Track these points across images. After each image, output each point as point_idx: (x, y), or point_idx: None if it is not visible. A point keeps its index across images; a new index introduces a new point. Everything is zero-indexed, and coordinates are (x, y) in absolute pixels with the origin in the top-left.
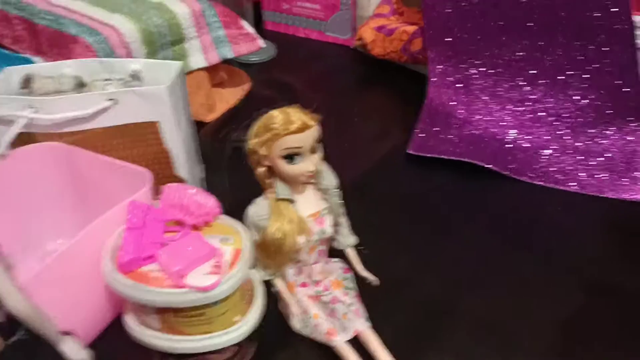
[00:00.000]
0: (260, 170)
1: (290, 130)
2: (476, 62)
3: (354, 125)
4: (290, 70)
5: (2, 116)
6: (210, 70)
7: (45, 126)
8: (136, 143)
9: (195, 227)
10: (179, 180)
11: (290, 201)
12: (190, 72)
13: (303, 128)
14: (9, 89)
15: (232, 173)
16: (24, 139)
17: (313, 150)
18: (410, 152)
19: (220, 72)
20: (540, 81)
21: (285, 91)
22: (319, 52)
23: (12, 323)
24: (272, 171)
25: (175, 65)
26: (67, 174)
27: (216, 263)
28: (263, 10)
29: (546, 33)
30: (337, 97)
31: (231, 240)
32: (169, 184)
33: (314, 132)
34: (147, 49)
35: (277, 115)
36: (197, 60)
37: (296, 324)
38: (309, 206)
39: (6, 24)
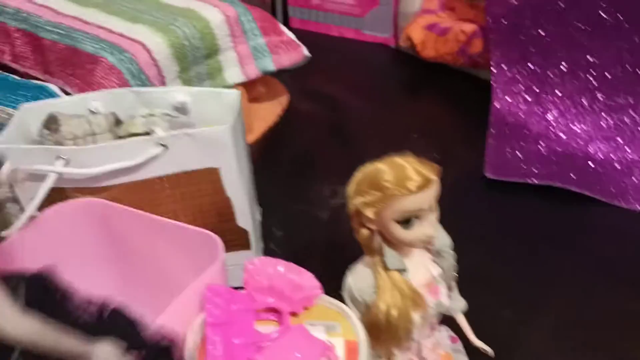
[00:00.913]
0: (364, 232)
1: (409, 190)
2: (550, 66)
3: (412, 143)
4: (327, 77)
5: (26, 170)
6: (247, 84)
7: (79, 180)
8: (189, 194)
9: (293, 314)
10: (242, 232)
11: (402, 271)
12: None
13: (424, 186)
14: (28, 132)
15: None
16: (53, 194)
17: (432, 209)
18: (489, 175)
19: (258, 85)
20: (627, 89)
21: (325, 103)
22: (356, 54)
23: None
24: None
25: (232, 94)
26: (105, 236)
27: None
28: (289, 6)
29: (637, 34)
30: (385, 107)
31: (338, 329)
32: (251, 260)
33: (435, 188)
34: (179, 66)
35: (387, 170)
36: (233, 74)
37: None
38: (420, 273)
39: (5, 38)
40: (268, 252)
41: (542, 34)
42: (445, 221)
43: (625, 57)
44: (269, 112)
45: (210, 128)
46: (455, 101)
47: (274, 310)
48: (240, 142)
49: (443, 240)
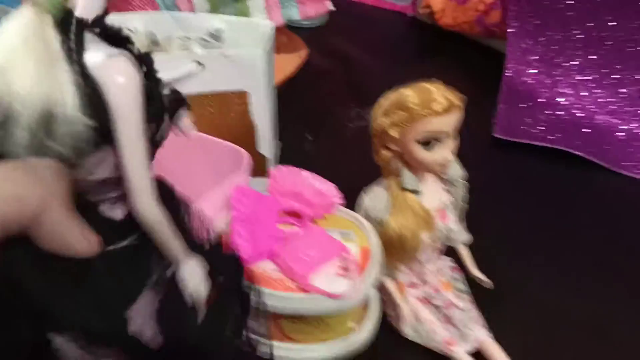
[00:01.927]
0: (385, 153)
1: (436, 111)
2: (565, 39)
3: None
4: (345, 38)
5: None
6: None
7: None
8: (220, 115)
9: (312, 220)
10: (260, 159)
11: (416, 192)
12: None
13: (449, 109)
14: None
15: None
16: None
17: (453, 136)
18: (497, 135)
19: (281, 35)
20: (638, 63)
21: (341, 61)
22: (374, 19)
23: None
24: (397, 156)
25: (266, 25)
26: None
27: (343, 264)
28: None
29: None
30: (400, 70)
31: (352, 236)
32: (277, 167)
33: (458, 114)
34: (210, 4)
35: (412, 93)
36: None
37: (407, 329)
38: (433, 199)
39: None
40: None
41: (561, 6)
42: None
43: (637, 31)
44: (288, 63)
45: (245, 50)
46: (468, 69)
47: (295, 216)
48: (269, 72)
49: (457, 171)
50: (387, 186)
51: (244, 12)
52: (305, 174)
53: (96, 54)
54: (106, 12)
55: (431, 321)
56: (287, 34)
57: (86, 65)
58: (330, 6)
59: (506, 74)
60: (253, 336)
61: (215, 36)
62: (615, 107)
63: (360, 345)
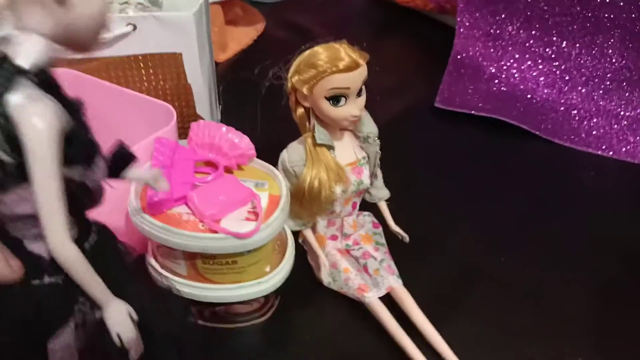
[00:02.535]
0: (300, 111)
1: (338, 68)
2: (509, 14)
3: (375, 75)
4: (305, 13)
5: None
6: (225, 5)
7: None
8: (155, 76)
9: (227, 170)
10: (200, 119)
11: (330, 147)
12: None
13: (353, 66)
14: None
15: (250, 114)
16: None
17: (359, 93)
18: (438, 105)
19: (236, 7)
20: (576, 38)
21: (300, 34)
22: None
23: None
24: (311, 113)
25: None
26: None
27: (252, 209)
28: None
29: None
30: (356, 43)
31: (266, 186)
32: (197, 121)
33: (362, 71)
34: None
35: (322, 51)
36: None
37: (325, 277)
38: (347, 154)
39: None
40: None
41: None
42: (394, 141)
43: (575, 6)
44: (244, 35)
45: (175, 13)
46: (421, 43)
47: (212, 166)
48: (203, 33)
49: (370, 128)
50: (304, 141)
51: None
52: (224, 128)
53: (19, 96)
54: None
55: (347, 269)
56: (244, 7)
57: (7, 104)
58: None
59: (455, 47)
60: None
61: (155, 1)
62: (551, 79)
63: (272, 287)
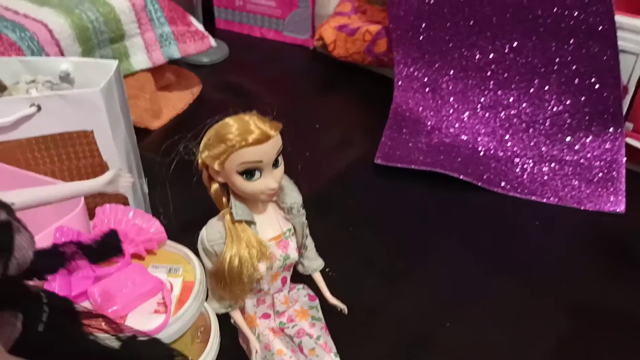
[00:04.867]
0: (215, 187)
1: (247, 142)
2: (445, 64)
3: (316, 133)
4: (245, 73)
5: None
6: (156, 71)
7: None
8: (67, 155)
9: (137, 257)
10: (121, 198)
11: (250, 223)
12: (133, 74)
13: (263, 139)
14: None
15: (180, 189)
16: None
17: (274, 164)
18: (378, 162)
19: (167, 73)
20: (513, 85)
21: (239, 95)
22: (276, 53)
23: None
24: (227, 188)
25: (111, 64)
26: None
27: (162, 299)
28: (215, 7)
29: (520, 33)
30: (297, 101)
31: (180, 271)
32: (102, 206)
33: (275, 143)
34: (82, 47)
35: (232, 124)
36: (140, 60)
37: None
38: (270, 228)
39: None
40: None
41: (439, 34)
42: (335, 198)
43: (509, 54)
44: (179, 99)
45: (81, 90)
46: (361, 97)
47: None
48: (115, 107)
49: (294, 198)
50: (223, 217)
51: (123, 53)
52: (132, 212)
53: None
54: None
55: (280, 351)
56: (177, 72)
57: None
58: (212, 42)
59: (394, 100)
60: None
61: (65, 78)
62: (491, 127)
63: None
